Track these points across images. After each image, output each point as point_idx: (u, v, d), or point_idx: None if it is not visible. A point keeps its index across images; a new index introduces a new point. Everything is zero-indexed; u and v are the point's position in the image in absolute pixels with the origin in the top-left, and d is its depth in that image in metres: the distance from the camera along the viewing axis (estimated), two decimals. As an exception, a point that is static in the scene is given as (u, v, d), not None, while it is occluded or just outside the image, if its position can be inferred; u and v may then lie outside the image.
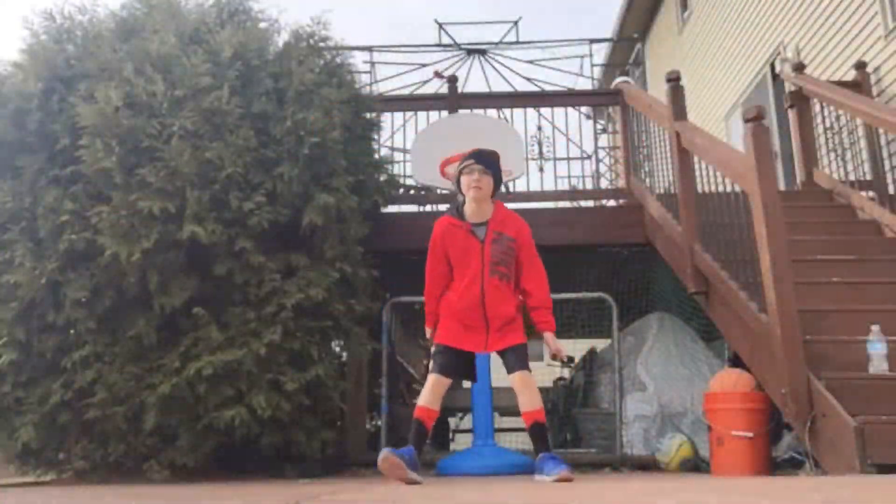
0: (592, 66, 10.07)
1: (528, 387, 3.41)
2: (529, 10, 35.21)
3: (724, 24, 9.94)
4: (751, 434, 3.82)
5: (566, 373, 8.17)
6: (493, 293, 3.45)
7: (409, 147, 6.36)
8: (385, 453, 3.22)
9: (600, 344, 7.09)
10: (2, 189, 4.59)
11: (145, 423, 4.34)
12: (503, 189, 6.47)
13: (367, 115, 5.82)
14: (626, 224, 6.00)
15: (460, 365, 3.54)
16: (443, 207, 6.55)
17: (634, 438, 5.47)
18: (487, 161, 3.56)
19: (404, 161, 6.83)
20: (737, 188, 4.12)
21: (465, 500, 2.26)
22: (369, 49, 9.46)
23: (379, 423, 5.90)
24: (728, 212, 4.24)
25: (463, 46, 9.77)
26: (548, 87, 9.03)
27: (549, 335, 3.57)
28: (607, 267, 6.40)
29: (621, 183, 6.81)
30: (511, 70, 9.72)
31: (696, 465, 4.72)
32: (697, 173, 4.71)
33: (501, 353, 3.53)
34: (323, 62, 5.37)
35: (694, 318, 6.03)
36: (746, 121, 3.86)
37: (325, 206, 4.70)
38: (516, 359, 3.46)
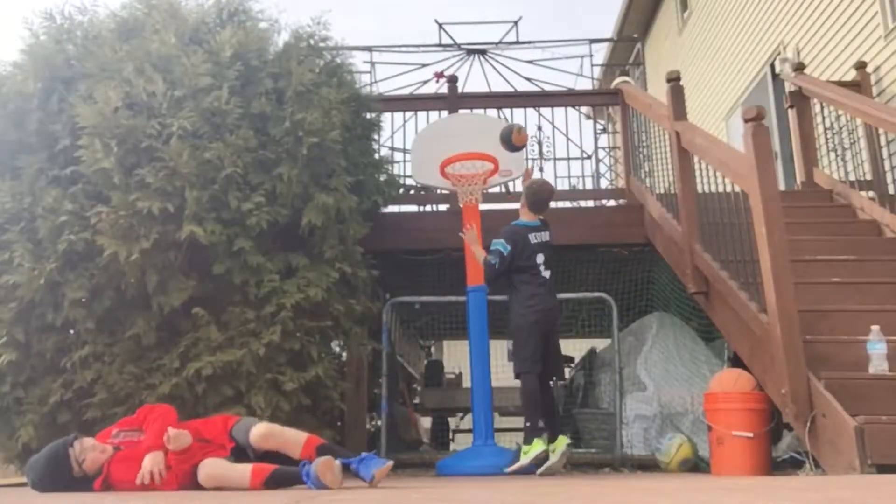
0: (592, 66, 10.03)
1: (281, 430, 3.38)
2: (529, 10, 35.20)
3: (724, 25, 9.94)
4: (751, 434, 3.81)
5: (566, 373, 8.16)
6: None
7: (409, 147, 6.35)
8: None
9: (600, 344, 7.08)
10: (1, 189, 4.59)
11: (145, 424, 4.34)
12: (503, 189, 6.47)
13: (367, 115, 5.82)
14: (626, 224, 6.00)
15: None
16: (443, 207, 6.55)
17: (634, 438, 5.47)
18: None
19: (404, 161, 6.83)
20: (737, 188, 4.12)
21: (465, 499, 2.26)
22: (369, 49, 9.45)
23: (379, 422, 5.90)
24: (728, 212, 4.24)
25: (463, 46, 9.74)
26: (548, 87, 9.01)
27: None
28: (607, 267, 6.40)
29: (621, 183, 6.80)
30: (511, 70, 9.70)
31: (696, 465, 4.72)
32: (697, 173, 4.71)
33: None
34: (323, 62, 5.36)
35: (694, 318, 6.02)
36: (746, 121, 3.86)
37: (325, 206, 4.69)
38: (246, 425, 3.39)
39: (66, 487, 3.25)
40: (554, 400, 4.66)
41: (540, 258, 4.45)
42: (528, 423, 4.21)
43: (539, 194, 4.57)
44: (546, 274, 4.46)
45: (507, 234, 4.47)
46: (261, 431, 3.34)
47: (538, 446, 4.10)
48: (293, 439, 3.34)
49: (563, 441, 4.27)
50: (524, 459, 4.16)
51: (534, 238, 4.48)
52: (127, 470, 3.20)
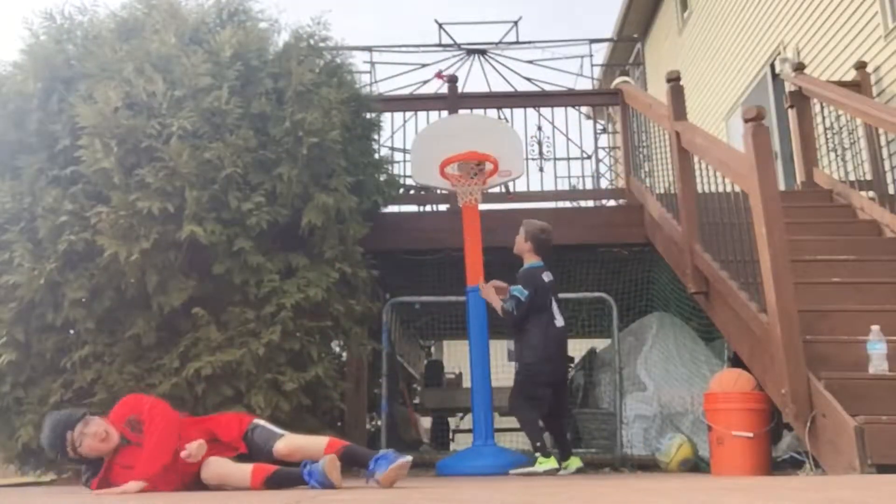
0: (592, 66, 10.01)
1: (304, 441, 3.37)
2: (529, 10, 35.23)
3: (724, 25, 9.94)
4: (751, 434, 3.81)
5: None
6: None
7: (409, 147, 6.35)
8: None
9: (600, 344, 7.08)
10: (1, 189, 4.59)
11: (145, 424, 4.33)
12: (503, 190, 6.48)
13: (367, 115, 5.82)
14: (626, 224, 6.00)
15: None
16: (443, 207, 6.56)
17: (634, 438, 5.47)
18: None
19: (404, 161, 6.83)
20: (737, 188, 4.12)
21: (465, 499, 2.26)
22: (369, 49, 9.43)
23: (379, 422, 5.90)
24: (728, 212, 4.24)
25: (463, 46, 9.73)
26: (548, 87, 9.00)
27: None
28: (607, 267, 6.40)
29: (621, 183, 6.80)
30: (511, 70, 9.68)
31: (696, 465, 4.72)
32: (697, 173, 4.71)
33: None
34: (323, 62, 5.36)
35: (694, 318, 6.02)
36: (746, 121, 3.86)
37: (325, 207, 4.69)
38: (265, 436, 3.37)
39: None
40: (564, 426, 4.83)
41: (552, 297, 4.62)
42: (538, 444, 4.41)
43: (540, 237, 4.72)
44: (560, 323, 4.59)
45: (526, 280, 4.57)
46: (283, 452, 3.31)
47: (553, 463, 4.36)
48: (315, 447, 3.29)
49: (575, 462, 4.50)
50: (537, 468, 4.34)
51: (546, 277, 4.64)
52: (126, 477, 3.18)
